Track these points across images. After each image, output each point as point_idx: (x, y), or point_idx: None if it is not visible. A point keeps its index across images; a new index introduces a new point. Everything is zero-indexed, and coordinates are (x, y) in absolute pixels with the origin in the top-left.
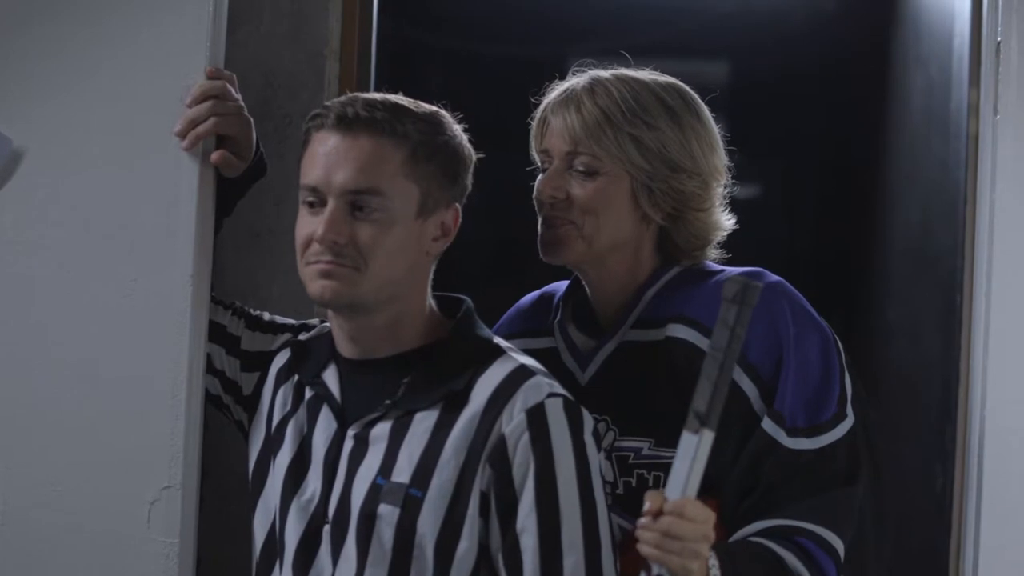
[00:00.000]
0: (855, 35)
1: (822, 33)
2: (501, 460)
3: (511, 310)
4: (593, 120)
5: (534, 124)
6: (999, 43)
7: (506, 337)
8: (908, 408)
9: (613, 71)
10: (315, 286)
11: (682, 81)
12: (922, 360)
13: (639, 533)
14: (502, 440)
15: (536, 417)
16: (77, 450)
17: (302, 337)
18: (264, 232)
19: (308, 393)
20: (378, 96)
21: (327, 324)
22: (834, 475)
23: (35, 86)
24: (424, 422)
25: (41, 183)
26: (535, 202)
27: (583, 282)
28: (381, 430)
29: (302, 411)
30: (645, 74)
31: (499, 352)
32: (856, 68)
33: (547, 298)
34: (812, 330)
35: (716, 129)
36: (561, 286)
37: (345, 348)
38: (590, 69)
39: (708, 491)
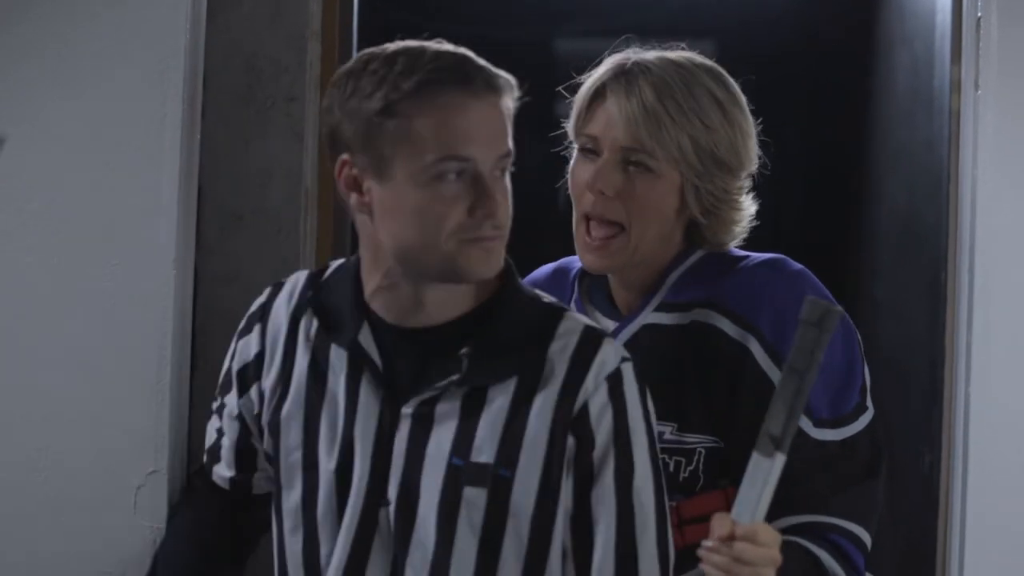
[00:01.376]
0: (840, 14)
1: (807, 12)
2: (584, 429)
3: (526, 281)
4: (656, 115)
5: (578, 105)
6: (979, 19)
7: None
8: (895, 388)
9: (657, 54)
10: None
11: None
12: (909, 339)
13: (705, 554)
14: (585, 409)
15: (616, 384)
16: (62, 436)
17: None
18: (247, 214)
19: (334, 359)
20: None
21: (333, 274)
22: (859, 468)
23: (12, 73)
24: (500, 397)
25: (20, 170)
26: (571, 188)
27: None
28: (449, 407)
29: (333, 379)
30: (688, 60)
31: (559, 312)
32: (841, 47)
33: (562, 273)
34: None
35: (750, 113)
36: (575, 261)
37: (390, 312)
38: (629, 50)
39: (729, 476)
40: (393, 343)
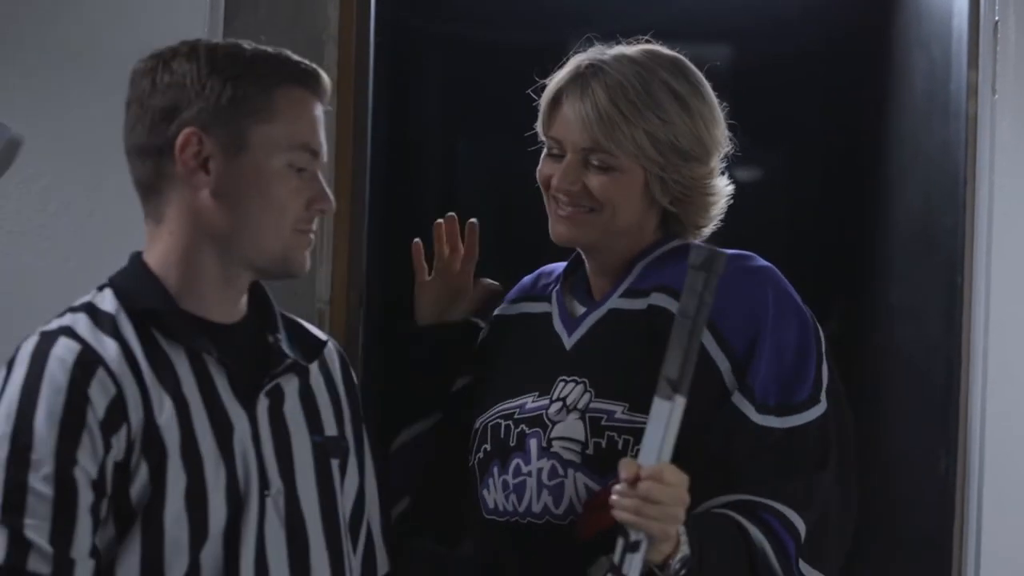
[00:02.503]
0: (856, 16)
1: (823, 15)
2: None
3: (514, 291)
4: (608, 116)
5: (542, 107)
6: (996, 23)
7: (512, 301)
8: (912, 391)
9: (614, 52)
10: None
11: None
12: (925, 342)
13: (615, 500)
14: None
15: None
16: None
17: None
18: None
19: (179, 369)
20: None
21: (125, 285)
22: (803, 458)
23: (33, 76)
24: (313, 376)
25: (40, 173)
26: (539, 181)
27: (584, 258)
28: (288, 390)
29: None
30: (646, 53)
31: None
32: (858, 49)
33: (546, 272)
34: (792, 315)
35: (715, 99)
36: (559, 265)
37: (198, 308)
38: (592, 49)
39: (673, 462)
40: (207, 339)
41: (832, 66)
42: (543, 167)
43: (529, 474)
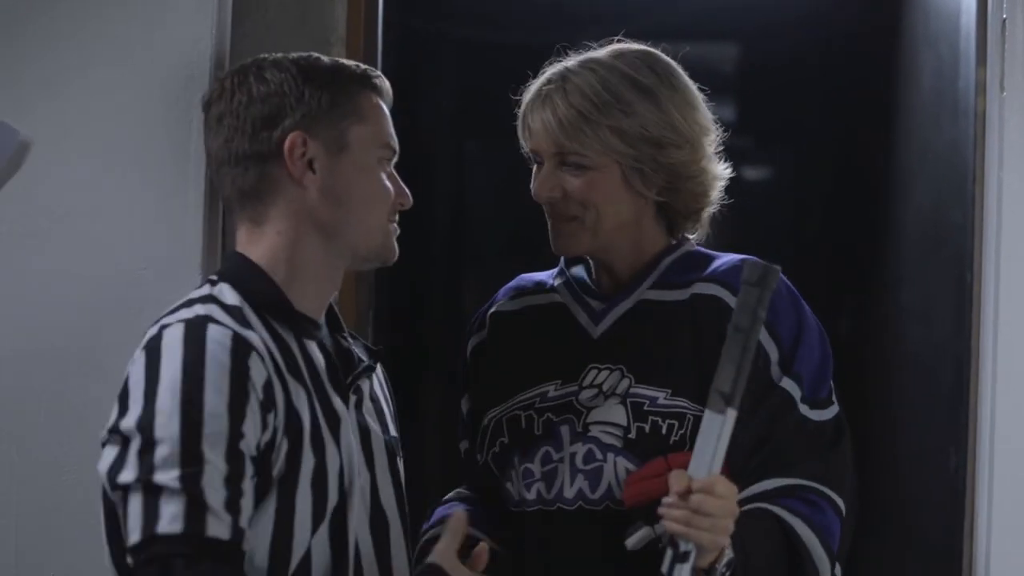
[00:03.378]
0: (864, 15)
1: (832, 14)
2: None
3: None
4: (568, 120)
5: (518, 124)
6: (1004, 20)
7: (510, 298)
8: (921, 390)
9: (581, 58)
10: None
11: (690, 65)
12: (935, 342)
13: (664, 511)
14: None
15: None
16: (85, 441)
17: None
18: None
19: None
20: None
21: (240, 283)
22: (831, 446)
23: (40, 77)
24: (375, 376)
25: (47, 175)
26: (535, 198)
27: (590, 261)
28: (365, 389)
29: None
30: (611, 53)
31: None
32: (865, 48)
33: (530, 278)
34: (812, 318)
35: (693, 87)
36: (541, 273)
37: (301, 303)
38: (561, 59)
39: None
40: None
41: (840, 65)
42: (532, 181)
43: (561, 460)
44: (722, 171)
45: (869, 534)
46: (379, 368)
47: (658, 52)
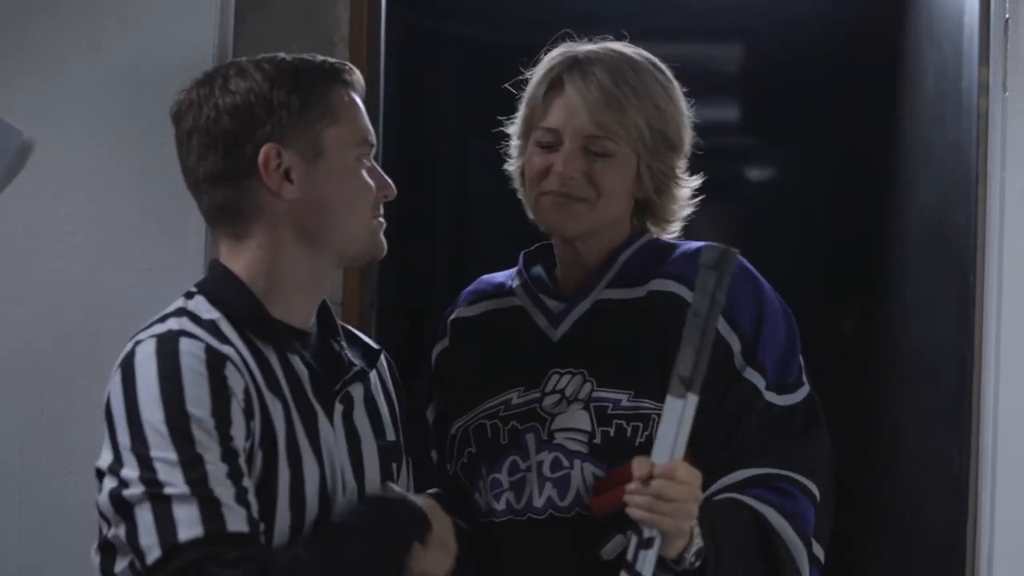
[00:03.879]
0: (868, 15)
1: (835, 14)
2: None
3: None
4: (614, 97)
5: (535, 100)
6: (1007, 20)
7: (469, 303)
8: (925, 389)
9: (599, 46)
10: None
11: (694, 65)
12: (939, 341)
13: (629, 499)
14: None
15: None
16: (88, 441)
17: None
18: None
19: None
20: None
21: (217, 294)
22: (802, 433)
23: (41, 78)
24: (373, 381)
25: (48, 175)
26: (529, 174)
27: (556, 252)
28: (356, 396)
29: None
30: (629, 48)
31: None
32: (870, 48)
33: (488, 280)
34: (776, 299)
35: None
36: (502, 273)
37: (282, 313)
38: (565, 44)
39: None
40: (296, 343)
41: (843, 65)
42: (537, 159)
43: (528, 469)
44: (692, 181)
45: (872, 534)
46: (386, 365)
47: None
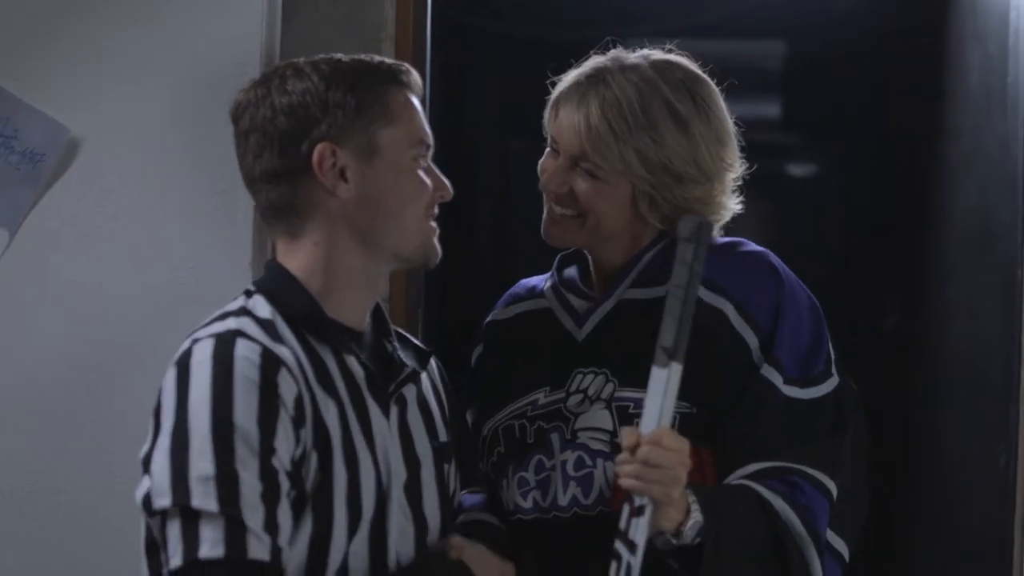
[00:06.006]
0: (911, 12)
1: (876, 9)
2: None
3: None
4: (598, 131)
5: (548, 104)
6: None
7: (504, 306)
8: (970, 388)
9: (627, 62)
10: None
11: (736, 61)
12: (983, 339)
13: (618, 468)
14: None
15: None
16: (137, 439)
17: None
18: None
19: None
20: None
21: (277, 293)
22: (826, 426)
23: (91, 76)
24: (424, 383)
25: (98, 173)
26: (539, 175)
27: (586, 252)
28: (409, 397)
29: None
30: (658, 68)
31: None
32: (912, 45)
33: (526, 284)
34: (800, 290)
35: (727, 120)
36: (538, 278)
37: (337, 312)
38: (610, 53)
39: (703, 440)
40: (351, 342)
41: (887, 62)
42: (543, 160)
43: (553, 468)
44: (734, 205)
45: (916, 534)
46: (435, 368)
47: (704, 76)
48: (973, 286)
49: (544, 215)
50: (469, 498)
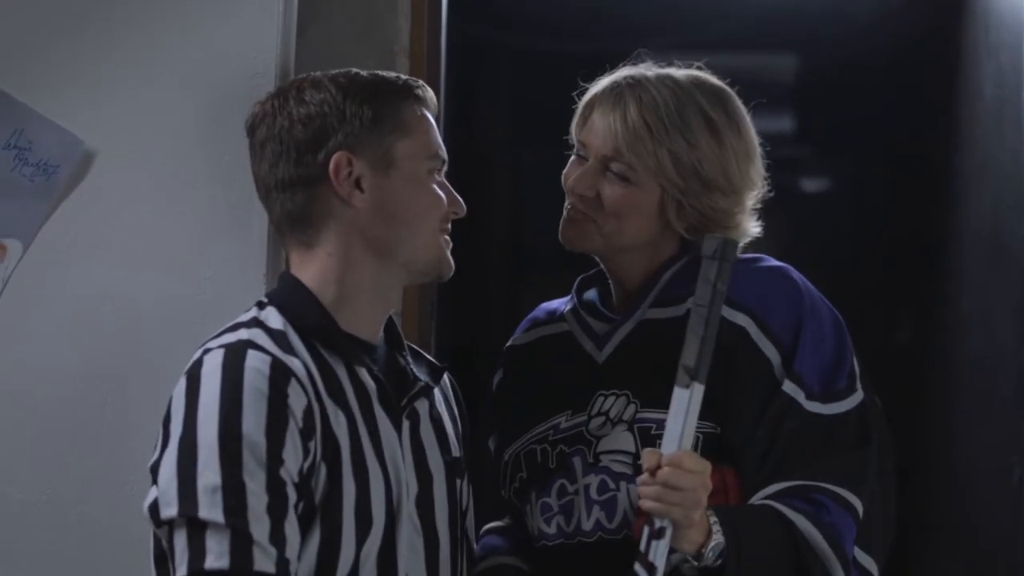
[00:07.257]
0: (923, 24)
1: (890, 23)
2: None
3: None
4: (635, 129)
5: (577, 110)
6: None
7: (524, 331)
8: (983, 400)
9: (660, 71)
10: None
11: (749, 75)
12: (997, 351)
13: (640, 490)
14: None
15: None
16: (152, 449)
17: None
18: None
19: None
20: None
21: (288, 306)
22: (851, 443)
23: (105, 87)
24: (436, 397)
25: (112, 185)
26: (563, 183)
27: (605, 271)
28: (421, 411)
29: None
30: (691, 78)
31: None
32: (924, 58)
33: (547, 307)
34: (823, 305)
35: (755, 137)
36: (560, 301)
37: (349, 324)
38: (642, 62)
39: (726, 460)
40: (364, 355)
41: (900, 74)
42: (567, 168)
43: (576, 492)
44: (752, 228)
45: (930, 546)
46: (448, 383)
47: (733, 94)
48: (986, 298)
49: (563, 217)
50: (489, 540)
